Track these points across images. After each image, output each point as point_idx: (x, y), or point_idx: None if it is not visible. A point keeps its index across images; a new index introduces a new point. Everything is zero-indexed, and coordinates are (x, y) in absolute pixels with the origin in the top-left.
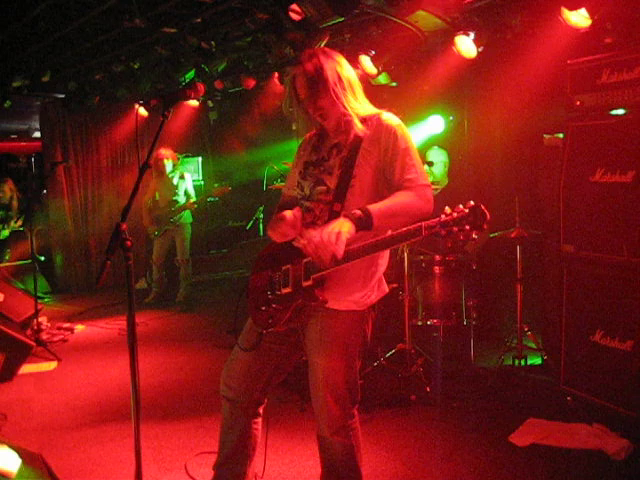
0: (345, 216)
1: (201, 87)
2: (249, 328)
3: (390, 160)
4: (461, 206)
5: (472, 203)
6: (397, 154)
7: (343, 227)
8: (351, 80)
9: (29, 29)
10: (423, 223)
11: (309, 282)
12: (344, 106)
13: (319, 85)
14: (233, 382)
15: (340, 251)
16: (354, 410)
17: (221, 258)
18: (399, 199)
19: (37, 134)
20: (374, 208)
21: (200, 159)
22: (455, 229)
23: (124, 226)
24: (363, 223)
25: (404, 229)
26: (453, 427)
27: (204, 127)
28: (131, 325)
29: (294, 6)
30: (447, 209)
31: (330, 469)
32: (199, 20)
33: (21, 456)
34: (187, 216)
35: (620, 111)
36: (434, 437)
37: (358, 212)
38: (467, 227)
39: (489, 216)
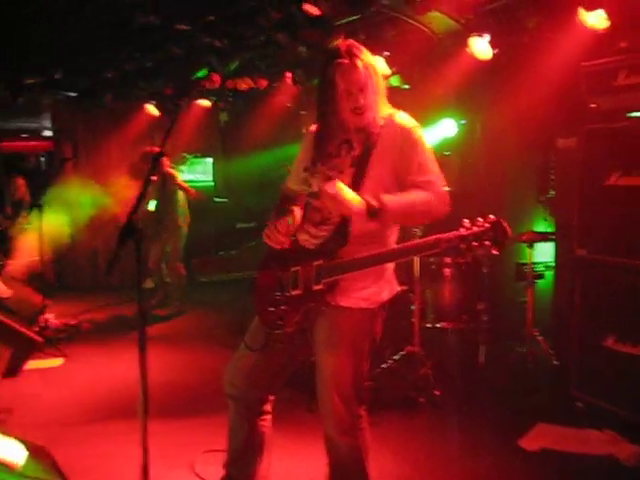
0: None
1: (217, 78)
2: (256, 327)
3: (406, 162)
4: (481, 220)
5: (493, 217)
6: (413, 156)
7: (353, 200)
8: (380, 77)
9: (43, 26)
10: (442, 236)
11: (320, 286)
12: (376, 104)
13: (366, 81)
14: (237, 380)
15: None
16: (361, 410)
17: (229, 259)
18: (415, 196)
19: (47, 133)
20: (390, 200)
21: (211, 160)
22: (475, 244)
23: (136, 218)
24: (374, 211)
25: (422, 241)
26: (462, 431)
27: (215, 128)
28: (141, 317)
29: (309, 2)
30: (466, 222)
31: (337, 469)
32: (213, 18)
33: (27, 449)
34: (182, 221)
35: (637, 113)
36: (443, 440)
37: (373, 201)
38: (487, 243)
39: (510, 232)
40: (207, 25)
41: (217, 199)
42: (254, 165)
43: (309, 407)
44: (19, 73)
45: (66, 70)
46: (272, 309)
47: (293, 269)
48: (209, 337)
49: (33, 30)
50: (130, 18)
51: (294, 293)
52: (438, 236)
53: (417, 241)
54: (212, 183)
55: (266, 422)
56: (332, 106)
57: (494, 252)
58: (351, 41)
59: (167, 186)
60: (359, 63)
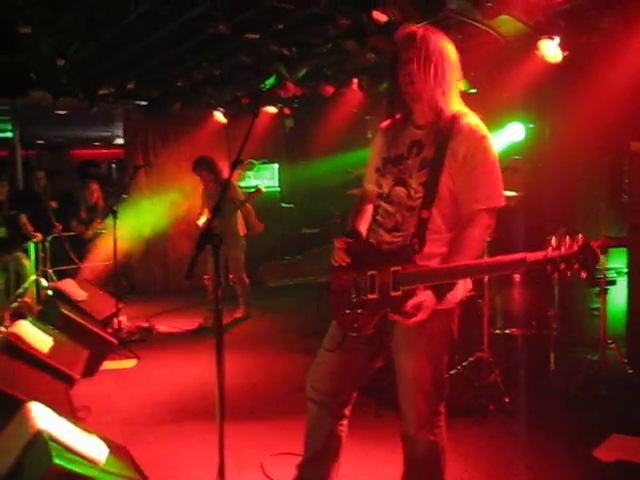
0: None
1: (291, 86)
2: (333, 329)
3: (466, 171)
4: (569, 240)
5: (582, 239)
6: (476, 167)
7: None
8: (454, 67)
9: (117, 39)
10: (529, 255)
11: (398, 293)
12: (443, 93)
13: (422, 52)
14: (319, 384)
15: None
16: (441, 407)
17: (296, 264)
18: (467, 245)
19: (119, 141)
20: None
21: (277, 166)
22: (562, 267)
23: (215, 223)
24: (443, 292)
25: (507, 258)
26: (533, 439)
27: (280, 134)
28: (218, 319)
29: (378, 9)
30: (553, 242)
31: (413, 467)
32: (281, 27)
33: (108, 446)
34: (240, 229)
35: None
36: (513, 448)
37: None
38: (576, 266)
39: (599, 255)
40: (276, 33)
41: (283, 204)
42: (319, 170)
43: (376, 412)
44: (93, 84)
45: (138, 80)
46: (348, 312)
47: (370, 273)
48: (278, 341)
49: (108, 42)
50: (200, 28)
51: (371, 297)
52: (524, 255)
53: (502, 258)
54: (278, 189)
55: (344, 426)
56: (396, 85)
57: (583, 276)
58: (428, 25)
59: (226, 195)
60: (417, 35)
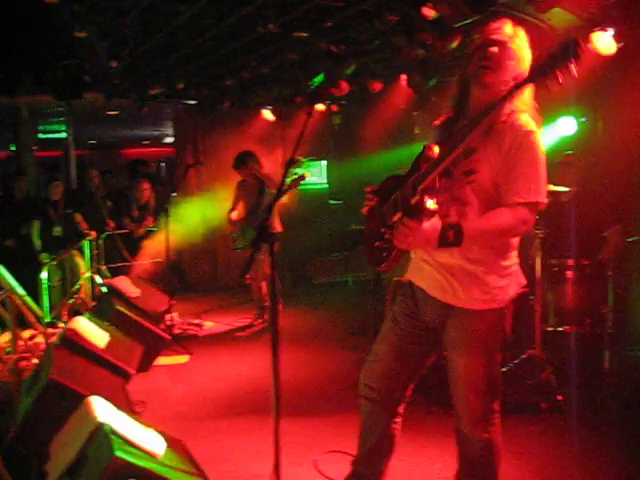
0: (440, 229)
1: (344, 85)
2: (386, 330)
3: (510, 163)
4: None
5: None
6: (519, 160)
7: (425, 240)
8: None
9: (168, 39)
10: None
11: (416, 197)
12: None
13: (515, 53)
14: (373, 382)
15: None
16: (496, 405)
17: (343, 261)
18: (495, 221)
19: (168, 139)
20: (468, 228)
21: (325, 163)
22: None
23: (269, 222)
24: (450, 242)
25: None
26: (586, 438)
27: (329, 131)
28: (274, 317)
29: (428, 5)
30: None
31: (467, 464)
32: (330, 24)
33: (165, 440)
34: (275, 226)
35: None
36: (566, 447)
37: (451, 233)
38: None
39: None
40: (324, 31)
41: (331, 201)
42: (367, 167)
43: (427, 409)
44: (145, 84)
45: (188, 80)
46: (377, 244)
47: (392, 197)
48: (328, 338)
49: (159, 43)
50: (250, 28)
51: (395, 219)
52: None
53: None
54: (326, 185)
55: (397, 424)
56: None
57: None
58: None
59: (264, 191)
60: (509, 25)
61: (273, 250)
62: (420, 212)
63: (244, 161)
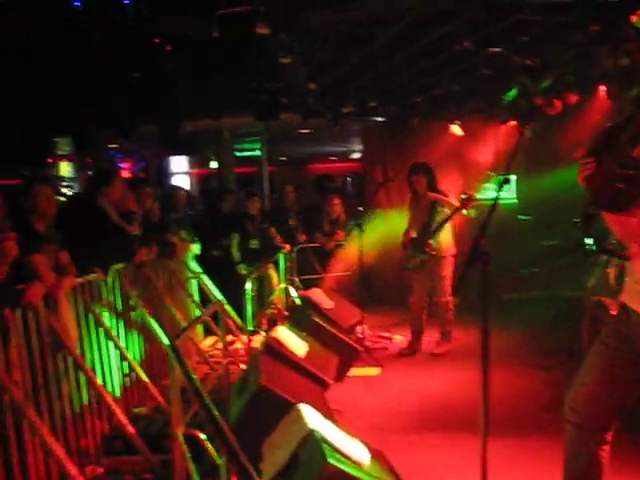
0: None
1: (558, 104)
2: (594, 353)
3: None
4: None
5: None
6: None
7: None
8: None
9: (363, 61)
10: None
11: None
12: None
13: None
14: (579, 406)
15: None
16: None
17: (533, 277)
18: None
19: (355, 155)
20: None
21: (514, 177)
22: None
23: (483, 241)
24: None
25: None
26: None
27: (519, 146)
28: (486, 335)
29: (637, 14)
30: None
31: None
32: (526, 38)
33: (369, 450)
34: (448, 245)
35: None
36: None
37: None
38: None
39: None
40: (520, 45)
41: (521, 216)
42: (560, 181)
43: (632, 438)
44: (340, 103)
45: (380, 98)
46: (619, 186)
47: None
48: (519, 356)
49: (355, 65)
50: (444, 46)
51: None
52: None
53: None
54: (516, 201)
55: (605, 452)
56: None
57: None
58: None
59: (435, 209)
60: None
61: (486, 270)
62: None
63: (421, 171)
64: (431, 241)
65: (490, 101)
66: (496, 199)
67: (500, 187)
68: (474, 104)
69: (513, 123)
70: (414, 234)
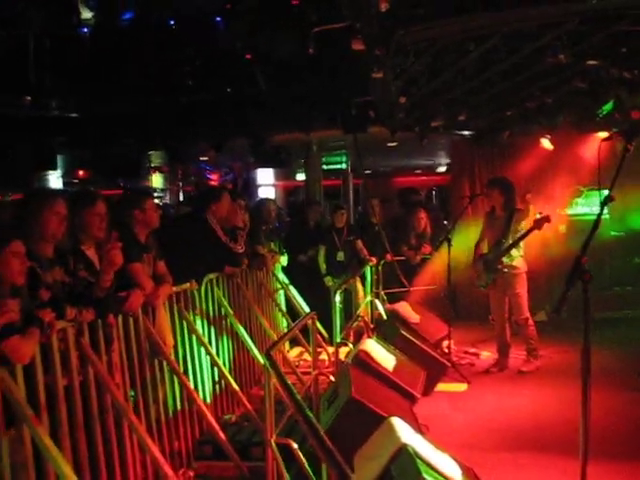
0: None
1: None
2: None
3: None
4: None
5: None
6: None
7: None
8: None
9: (454, 75)
10: None
11: None
12: None
13: None
14: None
15: None
16: None
17: (626, 295)
18: None
19: (440, 169)
20: None
21: (606, 192)
22: None
23: (584, 259)
24: None
25: None
26: None
27: (613, 159)
28: (585, 353)
29: None
30: None
31: None
32: (624, 50)
33: (459, 467)
34: (520, 262)
35: None
36: None
37: None
38: None
39: None
40: (617, 57)
41: (613, 232)
42: None
43: None
44: (429, 117)
45: (470, 112)
46: None
47: None
48: (611, 377)
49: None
50: (538, 60)
51: None
52: None
53: None
54: (607, 216)
55: None
56: None
57: None
58: None
59: (510, 225)
60: None
61: (587, 287)
62: None
63: (498, 185)
64: (503, 259)
65: (583, 114)
66: (599, 216)
67: (604, 205)
68: (566, 117)
69: (603, 136)
70: (485, 249)
